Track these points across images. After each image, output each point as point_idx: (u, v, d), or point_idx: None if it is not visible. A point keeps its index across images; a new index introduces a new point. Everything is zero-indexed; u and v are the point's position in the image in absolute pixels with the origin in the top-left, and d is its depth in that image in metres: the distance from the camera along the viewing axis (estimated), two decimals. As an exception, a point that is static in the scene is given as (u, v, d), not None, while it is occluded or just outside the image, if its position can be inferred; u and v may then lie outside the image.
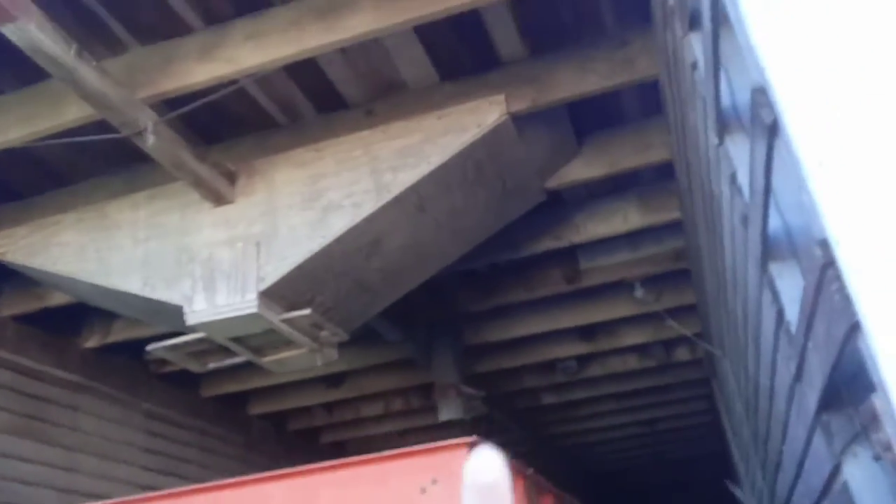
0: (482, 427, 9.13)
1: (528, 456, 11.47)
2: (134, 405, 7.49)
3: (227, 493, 2.78)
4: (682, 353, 8.30)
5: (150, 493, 2.85)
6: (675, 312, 6.86)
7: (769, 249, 2.55)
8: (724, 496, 13.57)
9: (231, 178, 4.58)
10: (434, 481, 2.54)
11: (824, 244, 1.60)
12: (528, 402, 9.67)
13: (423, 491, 2.54)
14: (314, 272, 4.49)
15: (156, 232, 4.65)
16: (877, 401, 1.66)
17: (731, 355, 5.25)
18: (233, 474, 8.33)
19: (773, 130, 1.95)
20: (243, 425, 9.19)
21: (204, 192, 4.46)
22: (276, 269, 4.39)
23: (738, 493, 8.50)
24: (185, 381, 8.01)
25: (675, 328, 6.66)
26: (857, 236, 1.50)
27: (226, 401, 8.77)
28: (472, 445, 2.58)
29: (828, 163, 1.59)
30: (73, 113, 4.00)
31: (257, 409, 9.21)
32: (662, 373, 8.89)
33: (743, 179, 2.75)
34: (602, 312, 7.08)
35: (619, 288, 6.70)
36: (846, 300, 1.53)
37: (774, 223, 2.44)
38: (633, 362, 8.48)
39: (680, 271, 6.33)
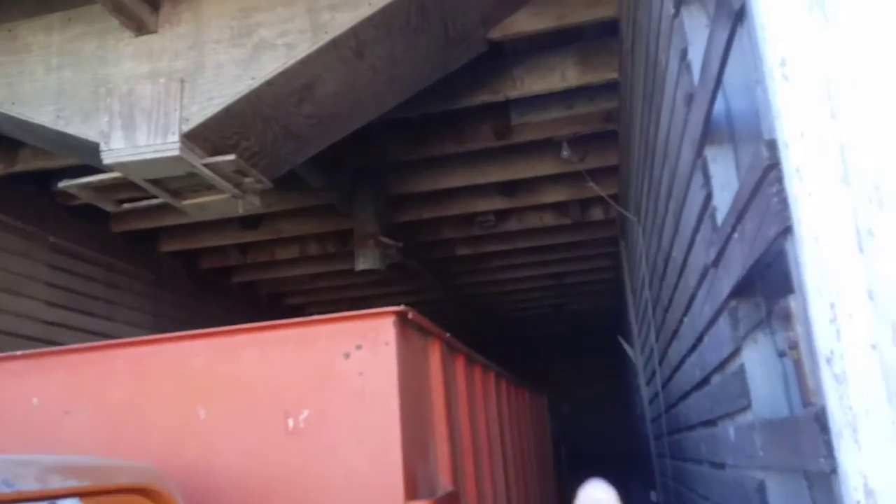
0: (395, 274, 9.29)
1: (436, 304, 11.84)
2: (39, 238, 7.21)
3: (147, 349, 2.74)
4: (595, 213, 8.53)
5: (72, 346, 2.78)
6: (595, 173, 6.98)
7: (709, 133, 2.57)
8: (615, 347, 14.55)
9: (154, 4, 4.21)
10: (358, 347, 2.56)
11: (772, 145, 1.60)
12: (443, 253, 9.83)
13: (347, 356, 2.56)
14: (241, 115, 4.28)
15: (71, 59, 4.28)
16: (792, 302, 1.74)
17: (645, 222, 5.43)
18: (141, 312, 8.32)
19: (738, 16, 1.89)
20: (153, 262, 9.03)
21: (124, 20, 4.10)
22: (201, 109, 4.15)
23: (628, 349, 9.08)
24: (94, 216, 7.69)
25: (593, 190, 6.80)
26: (808, 144, 1.51)
27: (136, 237, 8.55)
28: (397, 314, 2.60)
29: (791, 62, 1.57)
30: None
31: (169, 246, 9.03)
32: (575, 230, 9.15)
33: (694, 57, 2.71)
34: (527, 169, 7.12)
35: (545, 146, 6.72)
36: (783, 203, 1.56)
37: (718, 106, 2.45)
38: (548, 219, 8.67)
39: (607, 132, 6.38)
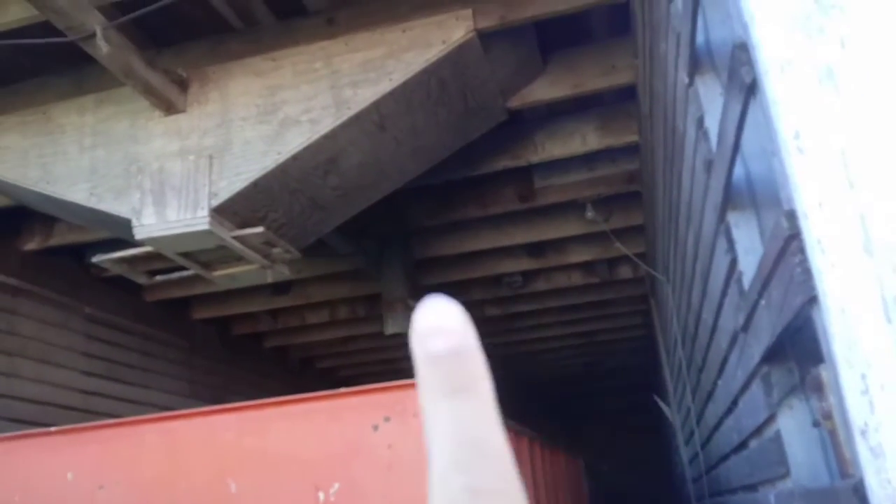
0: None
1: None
2: (75, 309, 7.34)
3: (178, 423, 2.76)
4: (624, 272, 8.49)
5: (104, 421, 2.81)
6: (621, 232, 6.98)
7: (730, 199, 2.57)
8: (651, 405, 14.26)
9: (183, 85, 4.36)
10: (387, 419, 2.55)
11: (791, 215, 1.60)
12: (473, 314, 9.65)
13: (376, 428, 2.55)
14: (269, 189, 4.38)
15: (103, 139, 4.44)
16: (823, 372, 1.72)
17: (674, 281, 5.39)
18: (176, 379, 8.39)
19: (750, 90, 1.92)
20: (186, 330, 9.13)
21: (154, 101, 4.25)
22: (230, 184, 4.26)
23: (665, 408, 8.92)
24: (127, 286, 7.80)
25: (620, 249, 6.79)
26: (827, 214, 1.51)
27: (169, 305, 8.67)
28: None
29: (805, 134, 1.57)
30: (16, 13, 3.71)
31: (201, 314, 9.14)
32: (604, 289, 9.10)
33: (711, 124, 2.74)
34: (552, 230, 7.14)
35: (570, 207, 6.75)
36: (807, 273, 1.55)
37: (737, 172, 2.46)
38: (577, 278, 8.64)
39: (631, 193, 6.40)
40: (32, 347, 6.80)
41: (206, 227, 4.19)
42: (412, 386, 2.53)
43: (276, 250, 4.67)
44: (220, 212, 4.25)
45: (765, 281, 2.03)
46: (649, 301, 9.08)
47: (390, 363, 12.04)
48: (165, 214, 4.26)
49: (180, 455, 2.70)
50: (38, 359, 6.85)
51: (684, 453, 7.81)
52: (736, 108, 2.06)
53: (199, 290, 8.01)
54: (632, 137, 5.42)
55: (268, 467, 2.59)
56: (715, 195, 2.71)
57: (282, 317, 9.76)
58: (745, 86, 1.93)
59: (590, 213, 6.42)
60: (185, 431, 2.72)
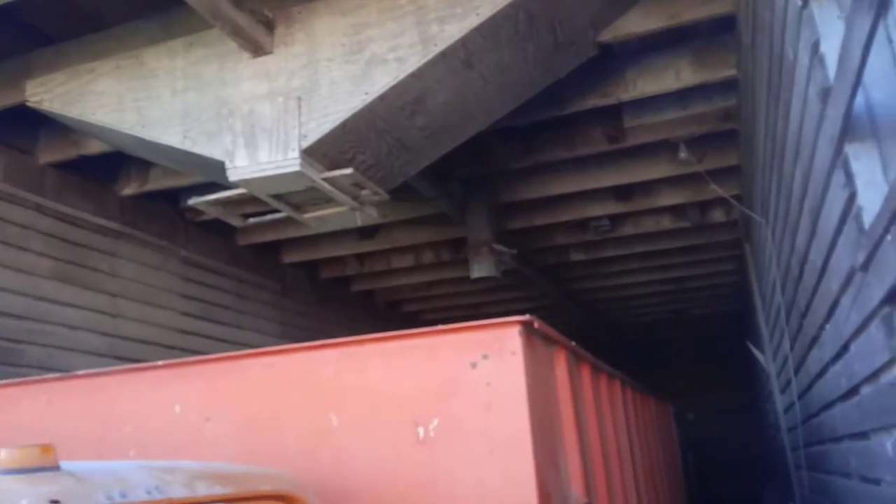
0: (509, 281, 9.24)
1: (551, 310, 11.69)
2: (172, 252, 7.63)
3: (280, 358, 2.82)
4: (716, 215, 8.20)
5: (207, 356, 2.90)
6: (715, 174, 6.72)
7: (849, 129, 2.40)
8: (742, 353, 13.90)
9: (269, 26, 4.37)
10: (485, 356, 2.54)
11: None
12: (557, 259, 9.72)
13: (474, 366, 2.54)
14: (357, 130, 4.38)
15: (195, 82, 4.51)
16: None
17: (774, 223, 5.16)
18: (267, 320, 8.67)
19: (881, 8, 1.76)
20: (277, 273, 9.39)
21: (242, 42, 4.28)
22: (319, 126, 4.27)
23: (759, 356, 8.66)
24: (221, 229, 8.08)
25: (715, 191, 6.54)
26: None
27: (260, 249, 8.90)
28: (523, 324, 2.56)
29: None
30: (107, -45, 3.77)
31: (291, 257, 9.37)
32: (695, 234, 8.84)
33: (828, 50, 2.55)
34: (641, 172, 6.94)
35: (661, 147, 6.53)
36: None
37: (858, 101, 2.28)
38: (666, 222, 8.41)
39: (726, 132, 6.13)
40: (133, 289, 7.12)
41: (296, 168, 4.23)
42: (509, 324, 2.52)
43: (364, 192, 4.69)
44: (309, 153, 4.28)
45: (893, 215, 1.89)
46: (743, 246, 8.77)
47: (475, 308, 12.10)
48: (257, 156, 4.32)
49: (282, 389, 2.77)
50: (140, 300, 7.17)
51: (779, 402, 7.60)
52: (863, 29, 1.90)
53: (289, 233, 8.19)
54: (729, 72, 5.15)
55: (368, 402, 2.63)
56: (831, 126, 2.54)
57: (368, 261, 9.90)
58: (874, 3, 1.78)
59: (683, 154, 6.19)
60: (287, 366, 2.79)
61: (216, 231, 8.09)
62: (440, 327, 2.60)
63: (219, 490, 1.84)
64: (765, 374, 8.94)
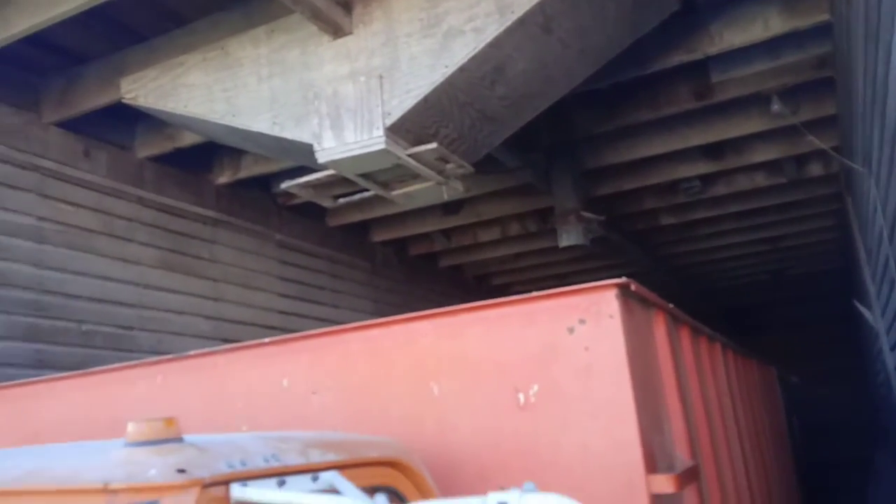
0: (598, 249, 9.14)
1: (642, 276, 11.53)
2: (267, 236, 7.89)
3: (379, 331, 2.87)
4: (814, 169, 7.88)
5: (314, 331, 2.99)
6: (811, 125, 6.44)
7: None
8: (845, 313, 13.34)
9: (347, 7, 4.43)
10: (582, 321, 2.50)
11: None
12: (647, 224, 9.54)
13: (571, 331, 2.52)
14: (438, 104, 4.40)
15: (279, 68, 4.62)
16: None
17: (878, 172, 4.92)
18: (360, 298, 8.87)
19: None
20: (368, 252, 9.58)
21: (322, 25, 4.35)
22: (401, 102, 4.31)
23: (866, 313, 8.29)
24: (312, 212, 8.31)
25: (813, 143, 6.27)
26: None
27: (350, 229, 9.09)
28: (620, 287, 2.52)
29: None
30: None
31: (380, 236, 9.53)
32: (791, 189, 8.51)
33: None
34: (732, 128, 6.72)
35: (752, 101, 6.30)
36: None
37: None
38: (760, 179, 8.13)
39: (821, 80, 5.86)
40: (233, 273, 7.41)
41: (382, 146, 4.30)
42: (606, 287, 2.49)
43: (449, 166, 4.72)
44: (394, 130, 4.33)
45: None
46: (844, 199, 8.39)
47: (563, 277, 12.03)
48: (343, 137, 4.40)
49: (383, 361, 2.83)
50: (240, 283, 7.46)
51: (889, 359, 7.27)
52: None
53: (377, 212, 8.33)
54: (821, 16, 4.92)
55: (468, 370, 2.66)
56: None
57: (455, 236, 9.97)
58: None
59: (776, 106, 5.96)
60: (386, 338, 2.84)
61: (308, 214, 8.31)
62: (535, 294, 2.60)
63: (331, 457, 1.91)
64: (873, 331, 8.56)
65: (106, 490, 1.48)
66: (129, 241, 6.35)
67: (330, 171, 4.66)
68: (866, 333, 10.09)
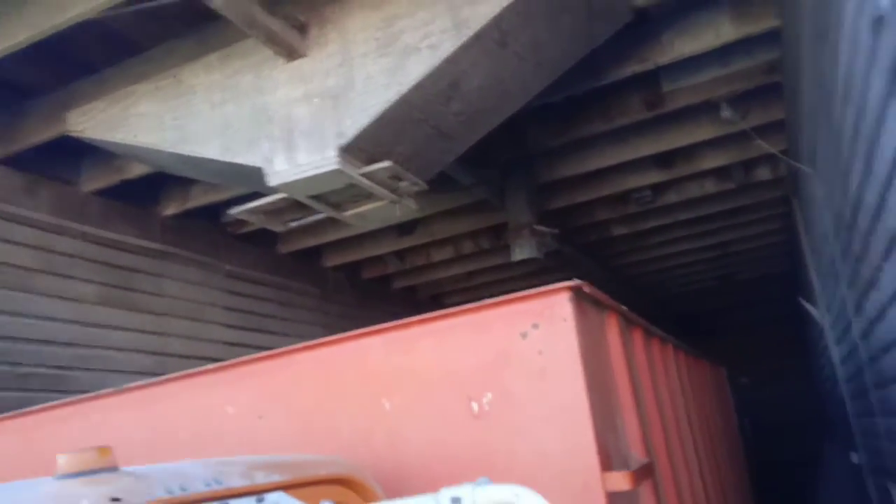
0: (552, 262, 9.13)
1: (596, 287, 11.62)
2: (215, 267, 7.64)
3: (327, 350, 2.79)
4: (762, 173, 8.00)
5: (259, 354, 2.87)
6: (760, 130, 6.53)
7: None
8: (792, 314, 13.60)
9: (303, 29, 4.31)
10: (535, 325, 2.47)
11: None
12: (599, 235, 9.58)
13: (525, 336, 2.47)
14: (393, 122, 4.30)
15: (232, 94, 4.47)
16: None
17: (824, 171, 5.00)
18: (310, 325, 8.65)
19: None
20: (319, 278, 9.37)
21: (276, 48, 4.23)
22: (355, 122, 4.21)
23: (811, 310, 8.47)
24: (262, 240, 8.10)
25: (761, 146, 6.37)
26: None
27: (302, 256, 8.90)
28: (572, 289, 2.48)
29: None
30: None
31: (332, 261, 9.35)
32: (739, 195, 8.63)
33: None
34: (683, 137, 6.77)
35: (702, 109, 6.36)
36: None
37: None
38: (710, 186, 8.23)
39: (769, 86, 5.95)
40: (179, 306, 7.14)
41: (335, 166, 4.18)
42: (559, 291, 2.44)
43: (403, 184, 4.62)
44: (347, 150, 4.22)
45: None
46: (791, 202, 8.55)
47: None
48: (296, 159, 4.27)
49: (333, 379, 2.75)
50: (185, 316, 7.19)
51: (835, 354, 7.41)
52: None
53: (330, 236, 8.17)
54: (771, 22, 4.98)
55: (419, 383, 2.60)
56: (886, 55, 2.42)
57: (408, 257, 9.85)
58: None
59: (725, 112, 6.02)
60: (336, 356, 2.76)
61: (258, 242, 8.09)
62: (487, 301, 2.54)
63: (277, 478, 1.83)
64: (818, 328, 8.74)
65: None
66: (70, 277, 6.06)
67: (281, 195, 4.52)
68: (813, 331, 10.31)
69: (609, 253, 10.72)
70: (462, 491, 1.42)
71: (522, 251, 7.42)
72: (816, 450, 10.82)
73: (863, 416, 6.15)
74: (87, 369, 6.06)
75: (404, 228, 8.63)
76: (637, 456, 2.92)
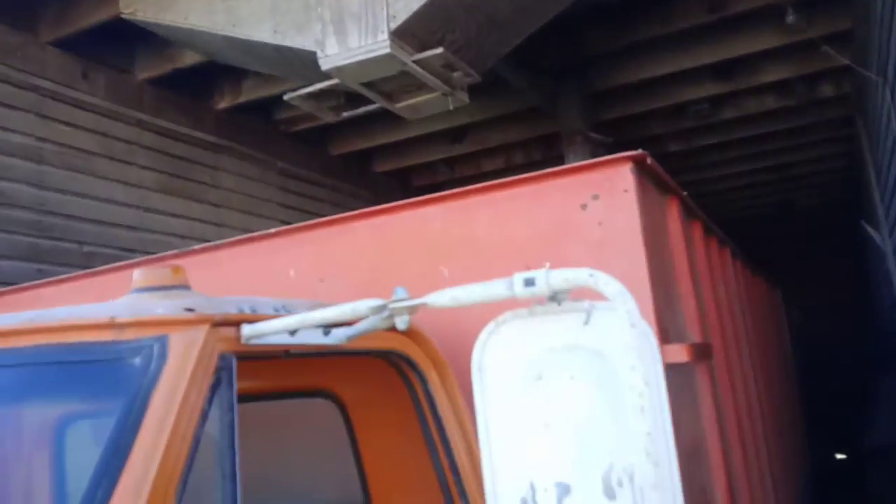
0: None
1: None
2: (269, 164, 7.78)
3: (386, 218, 2.81)
4: (825, 89, 7.71)
5: (320, 220, 2.93)
6: (826, 41, 6.26)
7: None
8: (850, 246, 13.23)
9: None
10: (595, 197, 2.44)
11: None
12: (654, 150, 9.24)
13: (584, 207, 2.45)
14: (445, 7, 4.25)
15: (281, -27, 4.47)
16: None
17: (894, 80, 4.81)
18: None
19: None
20: (370, 182, 9.47)
21: (326, -76, 4.19)
22: (406, 5, 4.17)
23: (874, 234, 8.25)
24: (314, 140, 8.20)
25: (828, 56, 6.12)
26: None
27: (353, 158, 8.98)
28: (635, 160, 2.45)
29: None
30: None
31: (383, 166, 9.42)
32: (801, 113, 8.34)
33: None
34: (744, 44, 6.53)
35: (765, 15, 6.12)
36: None
37: None
38: (770, 102, 7.95)
39: (837, -7, 5.69)
40: (235, 200, 7.33)
41: (387, 50, 4.17)
42: (620, 161, 2.41)
43: (456, 74, 4.59)
44: (399, 35, 4.20)
45: None
46: (855, 123, 8.25)
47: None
48: (347, 43, 4.28)
49: (392, 247, 2.78)
50: (242, 210, 7.38)
51: (896, 281, 7.24)
52: None
53: (380, 139, 8.22)
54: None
55: (478, 252, 2.60)
56: None
57: (458, 166, 9.85)
58: None
59: (790, 18, 5.78)
60: (394, 225, 2.79)
61: (310, 142, 8.20)
62: (547, 170, 2.53)
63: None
64: (879, 255, 8.52)
65: (112, 324, 1.44)
66: (130, 164, 6.26)
67: (333, 81, 4.54)
68: (873, 259, 10.06)
69: (664, 170, 10.52)
70: (536, 273, 1.40)
71: (575, 159, 7.34)
72: (869, 383, 10.67)
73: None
74: (148, 252, 6.31)
75: (455, 135, 8.61)
76: (694, 336, 2.92)
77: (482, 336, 1.41)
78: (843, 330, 14.87)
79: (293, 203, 8.04)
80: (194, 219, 6.85)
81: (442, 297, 1.46)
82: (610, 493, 1.21)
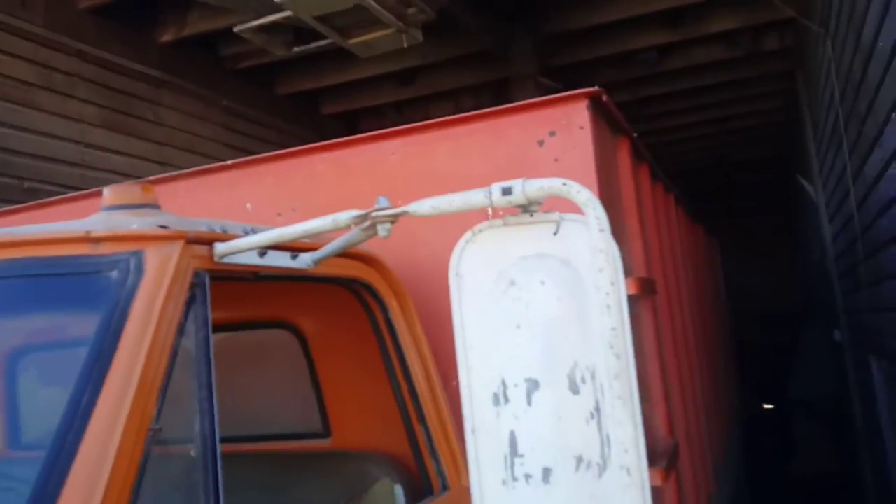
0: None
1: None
2: (214, 101, 7.60)
3: (346, 151, 2.81)
4: (769, 42, 7.87)
5: (278, 152, 2.91)
6: (772, -6, 6.39)
7: None
8: (783, 202, 13.63)
9: None
10: (552, 133, 2.50)
11: None
12: (601, 99, 9.49)
13: (541, 143, 2.51)
14: (402, -60, 4.21)
15: None
16: None
17: (836, 30, 4.96)
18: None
19: None
20: (317, 125, 9.34)
21: None
22: (363, -65, 4.11)
23: (808, 187, 8.56)
24: (260, 78, 8.02)
25: (775, 5, 6.24)
26: None
27: (300, 99, 8.82)
28: (590, 97, 2.50)
29: None
30: None
31: (330, 108, 9.29)
32: (745, 65, 8.51)
33: None
34: (695, -11, 6.61)
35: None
36: None
37: None
38: (717, 52, 8.09)
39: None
40: (179, 137, 7.16)
41: (342, -18, 4.12)
42: (577, 98, 2.46)
43: (410, 10, 4.57)
44: (354, -33, 4.14)
45: None
46: (795, 78, 8.47)
47: (515, 158, 12.01)
48: (301, -27, 4.20)
49: (350, 180, 2.79)
50: (186, 148, 7.22)
51: (828, 232, 7.56)
52: None
53: (328, 80, 8.09)
54: None
55: (436, 186, 2.60)
56: None
57: (407, 111, 9.76)
58: None
59: (739, -34, 5.86)
60: (353, 158, 2.79)
61: (256, 80, 8.02)
62: (506, 106, 2.57)
63: (308, 241, 1.92)
64: (812, 209, 8.86)
65: (88, 238, 1.44)
66: (70, 96, 6.04)
67: (286, 13, 4.46)
68: (805, 213, 10.45)
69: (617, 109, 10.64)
70: (513, 182, 1.49)
71: (523, 106, 7.37)
72: (797, 336, 11.19)
73: (850, 293, 6.35)
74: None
75: (405, 78, 8.53)
76: (639, 272, 3.01)
77: (459, 244, 1.48)
78: (774, 283, 15.47)
79: (238, 143, 7.88)
80: (137, 156, 6.68)
81: (423, 206, 1.52)
82: (574, 388, 1.32)
